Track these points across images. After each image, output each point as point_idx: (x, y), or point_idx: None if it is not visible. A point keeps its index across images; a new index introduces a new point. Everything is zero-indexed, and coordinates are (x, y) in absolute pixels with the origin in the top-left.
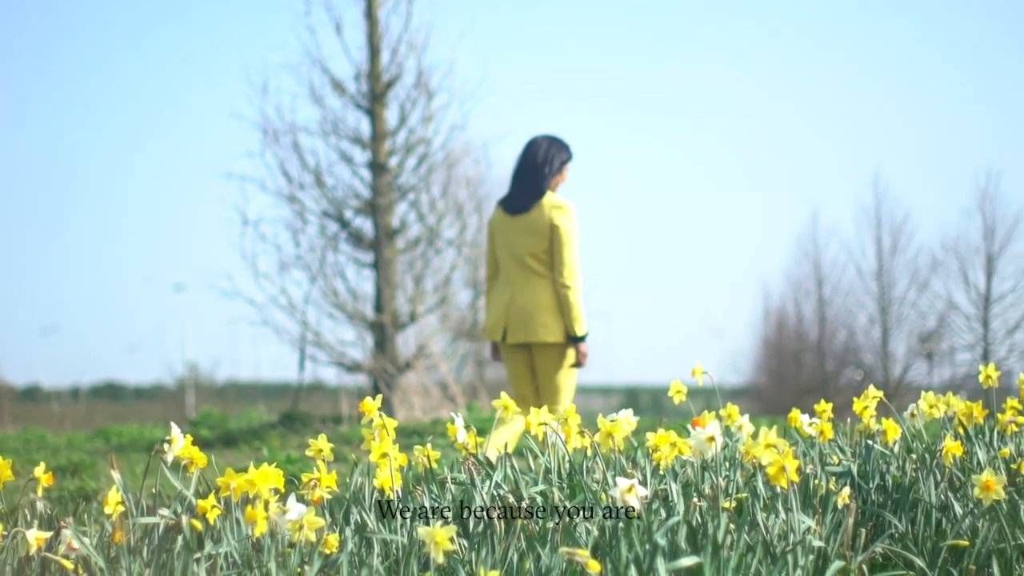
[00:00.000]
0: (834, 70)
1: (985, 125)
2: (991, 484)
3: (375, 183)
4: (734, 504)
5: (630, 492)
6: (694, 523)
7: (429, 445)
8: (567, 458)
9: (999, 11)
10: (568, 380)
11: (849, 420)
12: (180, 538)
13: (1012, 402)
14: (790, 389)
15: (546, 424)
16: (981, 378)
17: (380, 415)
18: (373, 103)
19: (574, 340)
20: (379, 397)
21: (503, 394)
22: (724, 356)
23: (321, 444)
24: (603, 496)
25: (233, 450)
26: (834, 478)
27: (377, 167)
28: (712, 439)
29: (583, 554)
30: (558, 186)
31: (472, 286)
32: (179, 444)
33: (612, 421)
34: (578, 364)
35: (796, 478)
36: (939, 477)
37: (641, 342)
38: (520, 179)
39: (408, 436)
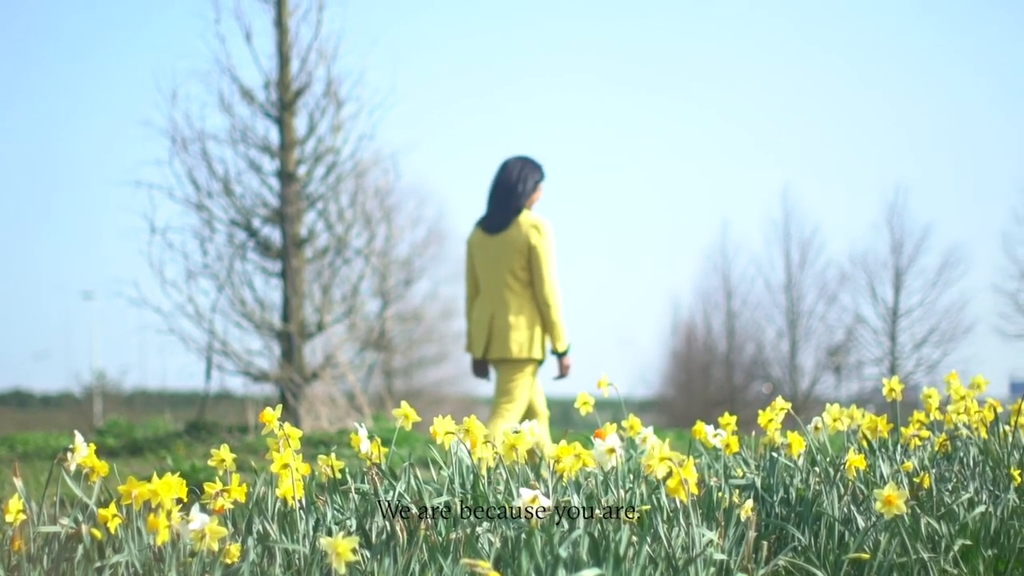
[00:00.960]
0: (743, 85)
1: (894, 140)
2: (893, 498)
3: (283, 192)
4: (637, 516)
5: (533, 503)
6: (596, 535)
7: (333, 455)
8: (471, 469)
9: (906, 31)
10: (520, 388)
11: (754, 433)
12: (80, 547)
13: (917, 415)
14: (699, 402)
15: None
16: (885, 392)
17: (281, 425)
18: (282, 112)
19: (557, 355)
20: (279, 407)
21: (403, 403)
22: (633, 368)
23: (223, 454)
24: (506, 507)
25: (139, 459)
26: (738, 491)
27: (286, 176)
28: (612, 451)
29: (484, 565)
30: (533, 204)
31: (380, 295)
32: (82, 453)
33: (516, 433)
34: (561, 376)
35: (696, 491)
36: (842, 490)
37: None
38: (496, 199)
39: (314, 446)
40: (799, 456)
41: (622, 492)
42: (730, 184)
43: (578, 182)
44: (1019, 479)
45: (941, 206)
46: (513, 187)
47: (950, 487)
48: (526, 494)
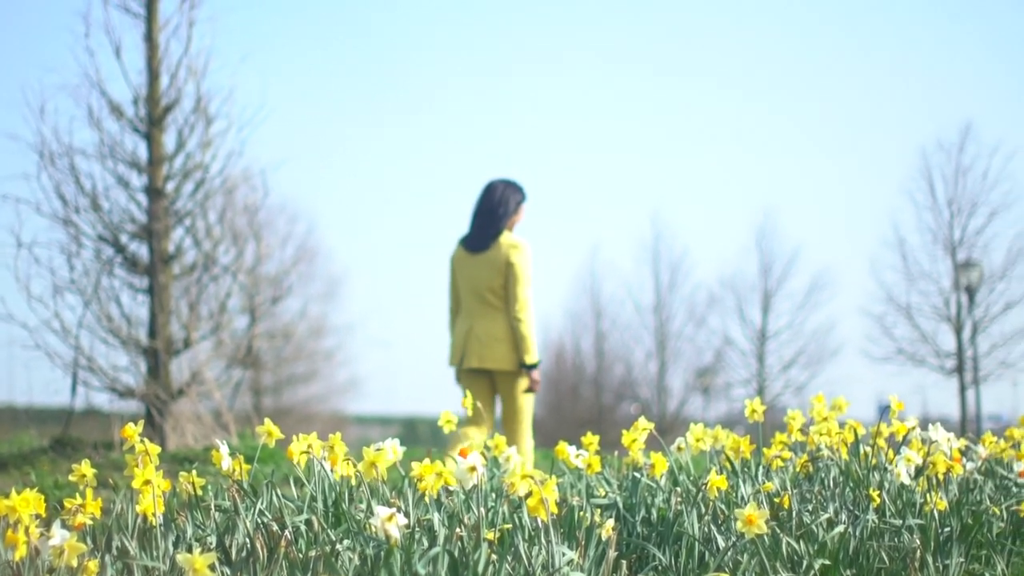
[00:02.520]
0: (614, 108)
1: (764, 165)
2: (753, 518)
3: (151, 208)
4: (498, 535)
5: (391, 521)
6: (456, 553)
7: (195, 472)
8: (333, 487)
9: (775, 56)
10: (527, 402)
11: (617, 452)
12: None
13: (780, 437)
14: (567, 422)
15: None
16: (747, 413)
17: (143, 441)
18: (151, 127)
19: (525, 368)
20: (142, 423)
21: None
22: None
23: (84, 470)
24: (367, 525)
25: (2, 475)
26: (599, 510)
27: (154, 192)
28: (473, 469)
29: None
30: (515, 226)
31: (249, 313)
32: None
33: (378, 450)
34: (530, 390)
35: (556, 510)
36: (703, 510)
37: (421, 372)
38: (479, 220)
39: (180, 463)
40: (662, 476)
41: (483, 510)
42: (600, 206)
43: (446, 203)
44: (878, 500)
45: (810, 230)
46: (495, 209)
47: (810, 507)
48: (383, 512)
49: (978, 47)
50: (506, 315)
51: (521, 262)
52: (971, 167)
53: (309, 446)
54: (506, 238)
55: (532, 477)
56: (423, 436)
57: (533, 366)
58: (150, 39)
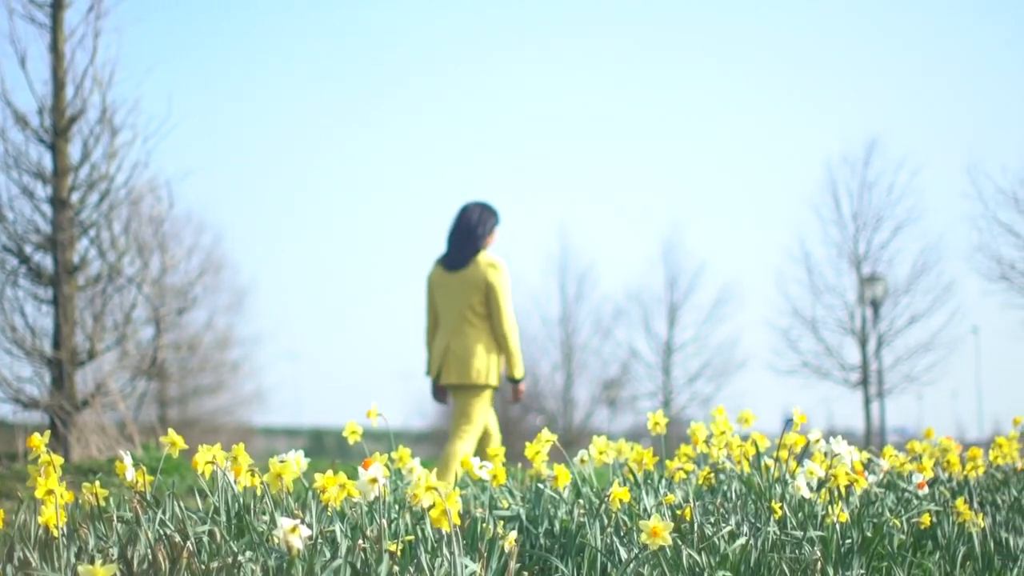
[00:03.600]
0: (522, 120)
1: (670, 178)
2: (658, 530)
3: (56, 219)
4: (401, 546)
5: (293, 532)
6: (358, 565)
7: (98, 483)
8: (237, 498)
9: (682, 71)
10: (479, 413)
11: (520, 464)
12: None
13: (684, 449)
14: None
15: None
16: (650, 426)
17: (48, 452)
18: (56, 138)
19: (513, 381)
20: (47, 434)
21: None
22: (411, 399)
23: None
24: (269, 536)
25: None
26: (502, 522)
27: (59, 203)
28: (375, 480)
29: None
30: (489, 245)
31: (154, 323)
32: None
33: (282, 462)
34: (516, 401)
35: (458, 521)
36: (606, 522)
37: (328, 384)
38: (456, 240)
39: (84, 474)
40: (565, 488)
41: (386, 522)
42: (507, 217)
43: (356, 211)
44: (780, 512)
45: (716, 244)
46: (473, 230)
47: (712, 520)
48: (286, 523)
49: (884, 63)
50: (483, 332)
51: (500, 280)
52: (876, 182)
53: (213, 457)
54: (484, 257)
55: (436, 488)
56: (330, 448)
57: (520, 379)
58: (55, 49)
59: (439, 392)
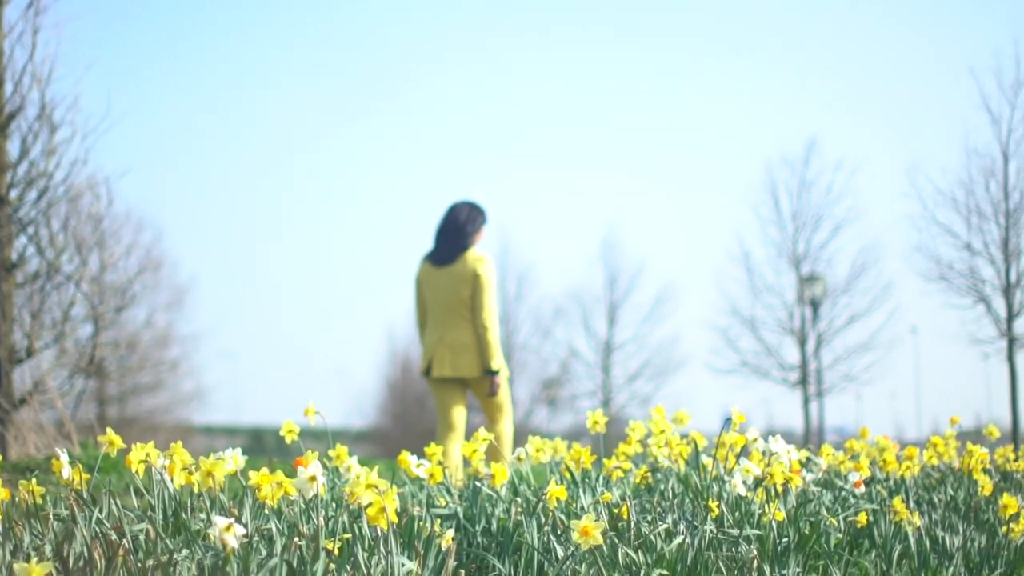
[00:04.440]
0: (464, 119)
1: (610, 177)
2: (590, 529)
3: None
4: (338, 544)
5: (228, 531)
6: (294, 563)
7: (35, 481)
8: (173, 496)
9: (623, 72)
10: (506, 399)
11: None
12: None
13: (622, 447)
14: (413, 432)
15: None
16: (588, 424)
17: None
18: None
19: (488, 373)
20: None
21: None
22: (350, 398)
23: None
24: (205, 534)
25: None
26: (440, 520)
27: None
28: (313, 478)
29: None
30: (476, 243)
31: (92, 321)
32: None
33: (217, 460)
34: (491, 394)
35: (396, 519)
36: (543, 520)
37: (268, 383)
38: (445, 237)
39: (21, 473)
40: (502, 486)
41: (322, 520)
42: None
43: (296, 210)
44: (716, 510)
45: (656, 243)
46: (463, 227)
47: (649, 518)
48: (221, 521)
49: (824, 63)
50: (473, 324)
51: (487, 274)
52: (815, 182)
53: (147, 455)
54: (472, 252)
55: (374, 486)
56: (270, 447)
57: (496, 372)
58: None
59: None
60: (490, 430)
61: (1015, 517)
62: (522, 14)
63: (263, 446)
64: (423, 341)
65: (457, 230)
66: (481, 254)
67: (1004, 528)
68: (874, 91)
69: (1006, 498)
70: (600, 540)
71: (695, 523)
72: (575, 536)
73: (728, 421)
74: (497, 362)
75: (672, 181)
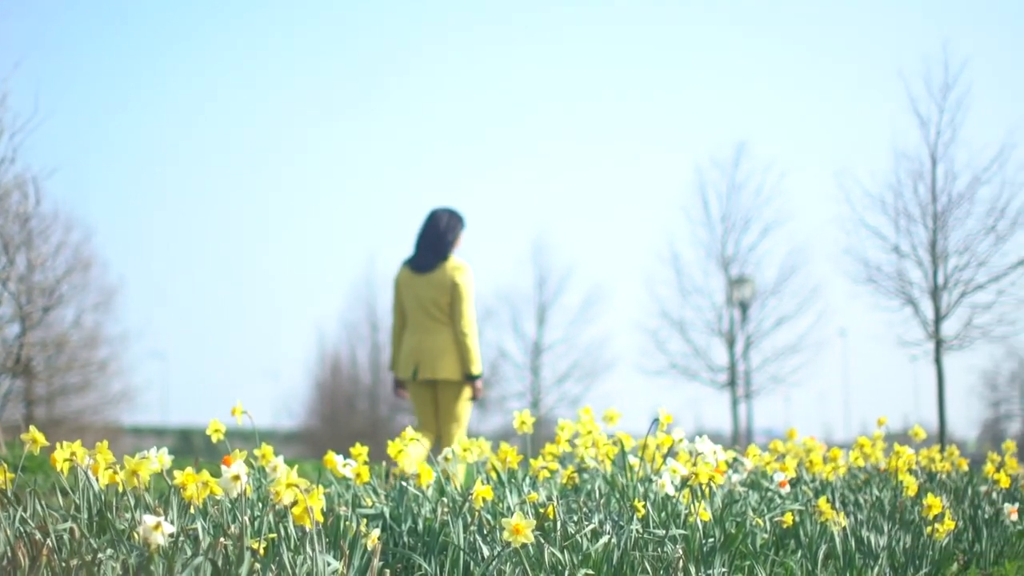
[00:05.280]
0: (394, 116)
1: (541, 178)
2: (520, 528)
3: None
4: (263, 544)
5: (156, 530)
6: (219, 562)
7: None
8: (98, 496)
9: (553, 70)
10: (465, 410)
11: (384, 463)
12: None
13: (549, 448)
14: (343, 433)
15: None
16: (516, 424)
17: None
18: None
19: (471, 378)
20: None
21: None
22: (279, 399)
23: None
24: (131, 533)
25: None
26: (366, 520)
27: None
28: (238, 477)
29: None
30: (455, 250)
31: (20, 321)
32: None
33: (142, 459)
34: (474, 397)
35: (320, 518)
36: (469, 520)
37: (197, 384)
38: (425, 244)
39: None
40: (428, 486)
41: (248, 519)
42: (377, 216)
43: (225, 211)
44: (643, 511)
45: (586, 245)
46: (443, 235)
47: (576, 518)
48: (150, 520)
49: (754, 67)
50: (451, 330)
51: (466, 282)
52: (745, 184)
53: (72, 454)
54: (452, 260)
55: (298, 485)
56: (198, 448)
57: (478, 376)
58: None
59: (402, 388)
60: (444, 433)
61: (939, 517)
62: (448, 15)
63: (192, 447)
64: (397, 344)
65: (437, 238)
66: (460, 262)
67: (929, 528)
68: (804, 94)
69: (930, 498)
70: (530, 539)
71: (621, 523)
72: (506, 534)
73: (655, 422)
74: (478, 367)
75: (603, 183)
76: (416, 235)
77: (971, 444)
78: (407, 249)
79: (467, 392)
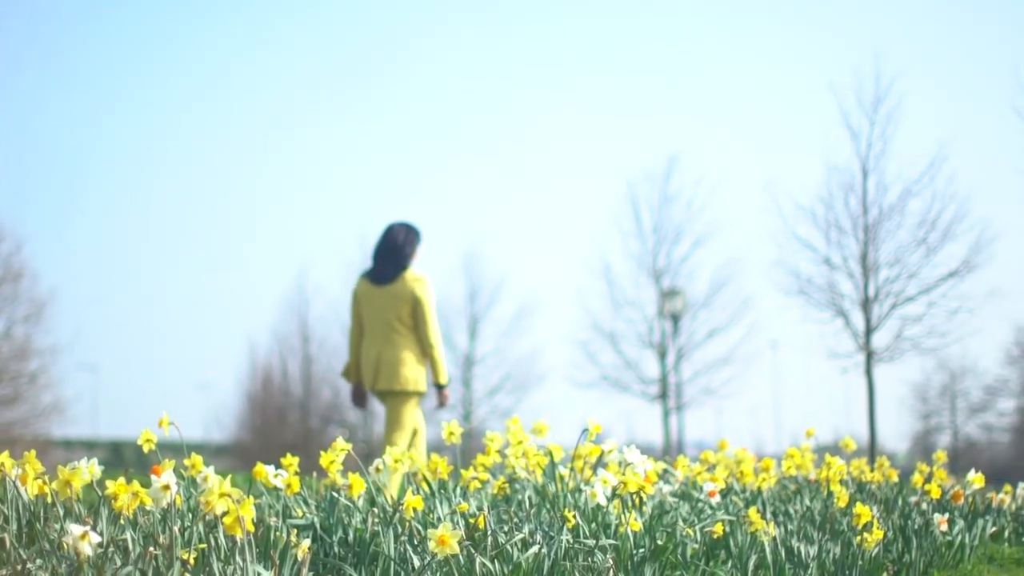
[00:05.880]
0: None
1: (472, 190)
2: (446, 539)
3: None
4: (193, 555)
5: (83, 539)
6: (149, 572)
7: None
8: (27, 506)
9: (486, 82)
10: (409, 419)
11: (316, 474)
12: None
13: (480, 458)
14: (275, 446)
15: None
16: (444, 436)
17: None
18: None
19: (438, 387)
20: None
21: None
22: (210, 411)
23: None
24: (60, 543)
25: None
26: (296, 530)
27: None
28: (167, 487)
29: None
30: (413, 262)
31: None
32: None
33: (72, 469)
34: (441, 405)
35: (252, 528)
36: (400, 531)
37: (128, 396)
38: (384, 257)
39: None
40: (359, 497)
41: (178, 529)
42: (310, 227)
43: (156, 222)
44: (573, 521)
45: (518, 257)
46: (401, 248)
47: (506, 528)
48: (76, 530)
49: (686, 80)
50: (410, 341)
51: (427, 294)
52: (676, 196)
53: (0, 464)
54: (410, 273)
55: (230, 495)
56: (129, 460)
57: (445, 385)
58: None
59: (359, 398)
60: (387, 441)
61: (868, 526)
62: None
63: (123, 460)
64: (354, 354)
65: (395, 250)
66: (419, 274)
67: (858, 538)
68: (736, 107)
69: (859, 507)
70: (456, 549)
71: (551, 533)
72: (432, 545)
73: (585, 431)
74: (445, 377)
75: (535, 195)
76: (374, 248)
77: (901, 457)
78: (339, 261)
79: (413, 403)
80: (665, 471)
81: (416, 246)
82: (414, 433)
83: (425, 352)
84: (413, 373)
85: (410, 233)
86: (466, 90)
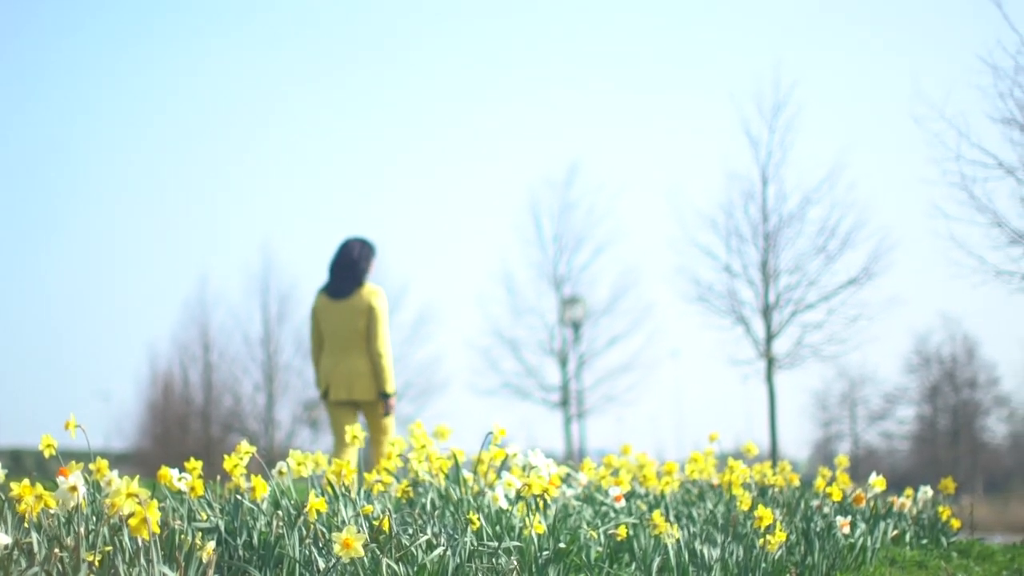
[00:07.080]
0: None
1: (373, 195)
2: (350, 541)
3: None
4: (99, 557)
5: None
6: (54, 574)
7: None
8: None
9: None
10: (391, 423)
11: (219, 478)
12: None
13: (383, 463)
14: (175, 454)
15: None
16: (347, 439)
17: None
18: None
19: (384, 396)
20: None
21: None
22: (111, 420)
23: None
24: None
25: None
26: (201, 533)
27: None
28: (75, 488)
29: None
30: (369, 276)
31: None
32: None
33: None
34: (387, 413)
35: (157, 530)
36: (305, 533)
37: (28, 403)
38: (340, 272)
39: None
40: (263, 500)
41: (84, 531)
42: (210, 234)
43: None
44: (477, 523)
45: (419, 263)
46: (356, 263)
47: (411, 530)
48: None
49: (587, 87)
50: (367, 352)
51: (380, 306)
52: (577, 204)
53: None
54: (367, 286)
55: (135, 495)
56: (29, 468)
57: (391, 394)
58: None
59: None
60: (375, 449)
61: (771, 528)
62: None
63: (22, 467)
64: (317, 367)
65: (351, 265)
66: (375, 288)
67: (761, 540)
68: (638, 114)
69: (761, 509)
70: (361, 552)
71: (455, 535)
72: (336, 548)
73: (489, 435)
74: (391, 386)
75: (436, 201)
76: (330, 263)
77: (802, 464)
78: (240, 269)
79: (381, 407)
80: (568, 475)
81: (371, 260)
82: (384, 432)
83: (373, 361)
84: (373, 381)
85: (365, 248)
86: (367, 96)
